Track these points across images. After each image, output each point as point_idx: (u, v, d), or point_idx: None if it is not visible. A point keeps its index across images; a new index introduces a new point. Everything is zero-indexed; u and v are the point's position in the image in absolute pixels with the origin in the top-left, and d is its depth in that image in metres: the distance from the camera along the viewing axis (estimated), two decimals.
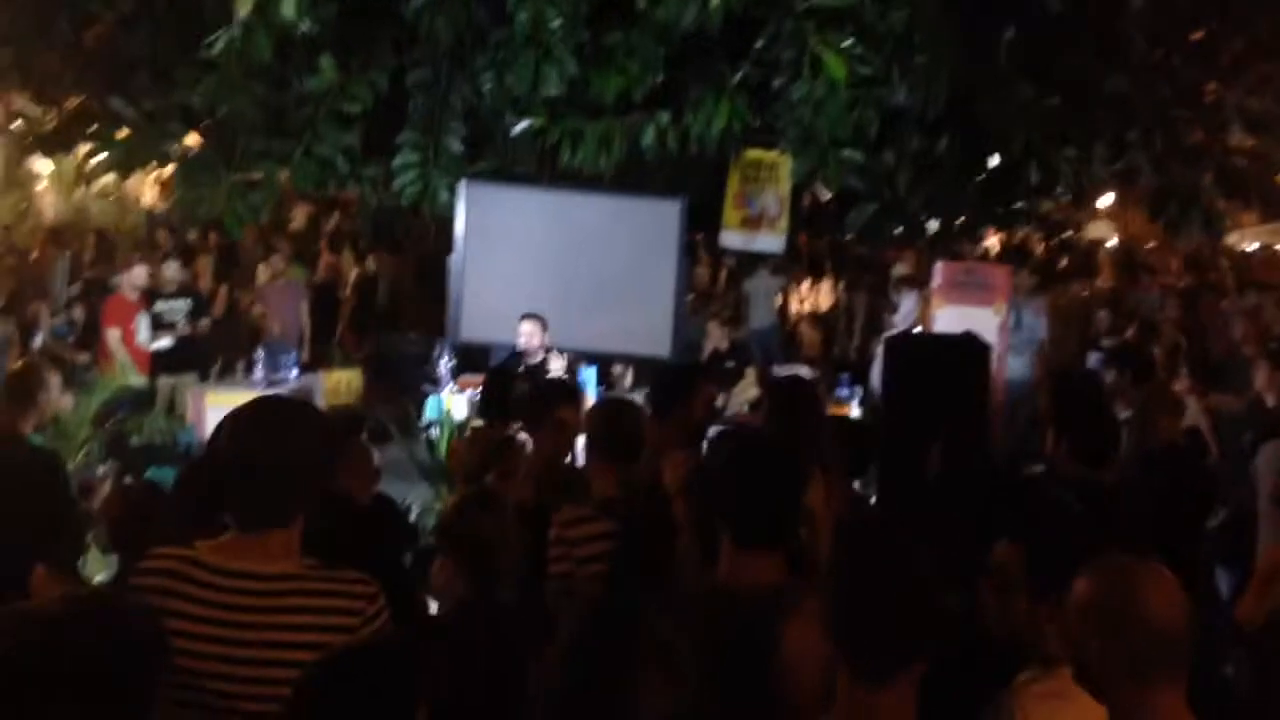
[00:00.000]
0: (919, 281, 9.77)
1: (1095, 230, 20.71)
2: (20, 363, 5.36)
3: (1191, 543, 4.29)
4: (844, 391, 7.96)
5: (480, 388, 6.59)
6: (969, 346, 4.52)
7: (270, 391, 8.14)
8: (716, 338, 9.13)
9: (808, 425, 3.73)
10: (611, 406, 3.91)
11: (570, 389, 4.73)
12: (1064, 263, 15.60)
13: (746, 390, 8.70)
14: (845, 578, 1.95)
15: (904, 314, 9.68)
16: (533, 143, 8.03)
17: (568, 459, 4.24)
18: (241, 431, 2.19)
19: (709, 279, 13.76)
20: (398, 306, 12.94)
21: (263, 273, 10.91)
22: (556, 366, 7.02)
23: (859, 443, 4.04)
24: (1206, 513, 4.64)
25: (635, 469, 3.46)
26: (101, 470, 5.41)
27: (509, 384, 5.24)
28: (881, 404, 5.36)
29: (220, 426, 2.28)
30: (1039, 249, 16.45)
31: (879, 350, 7.05)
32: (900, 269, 10.73)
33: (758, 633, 2.19)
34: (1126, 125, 7.52)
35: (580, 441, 3.98)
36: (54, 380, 4.58)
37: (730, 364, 8.94)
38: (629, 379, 9.22)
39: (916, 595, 1.86)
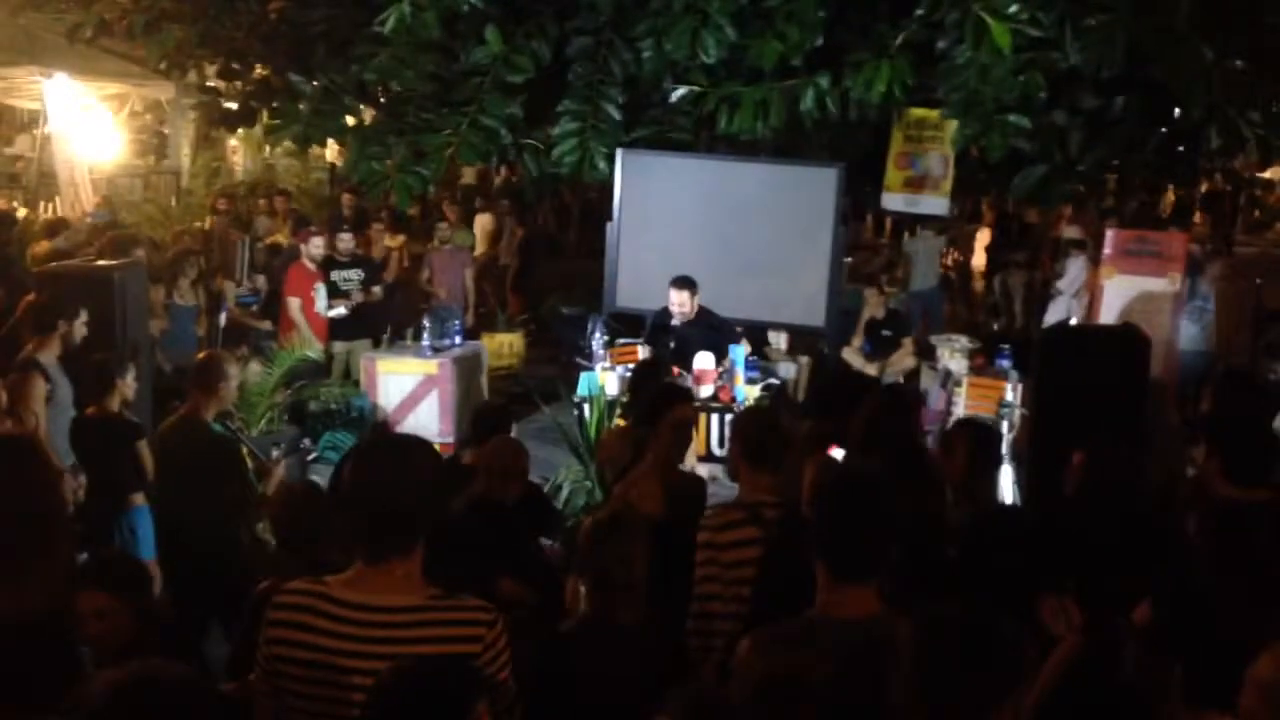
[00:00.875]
0: (1087, 246, 9.43)
1: None
2: (204, 354, 5.76)
3: None
4: (1004, 363, 7.74)
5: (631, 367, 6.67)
6: (1128, 344, 4.34)
7: (438, 358, 8.50)
8: (874, 305, 9.00)
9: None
10: (763, 411, 3.91)
11: (685, 389, 4.73)
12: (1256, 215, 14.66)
13: (902, 360, 8.58)
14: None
15: (1069, 280, 9.35)
16: (690, 110, 8.07)
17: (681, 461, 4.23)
18: (363, 470, 2.32)
19: (871, 238, 13.58)
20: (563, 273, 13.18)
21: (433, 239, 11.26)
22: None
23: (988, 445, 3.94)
24: None
25: (783, 475, 3.44)
26: (276, 453, 5.72)
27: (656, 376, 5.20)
28: (1032, 406, 5.22)
29: (343, 462, 2.41)
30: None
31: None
32: (1070, 232, 10.33)
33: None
34: None
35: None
36: (233, 370, 4.98)
37: (887, 333, 8.81)
38: (783, 344, 9.20)
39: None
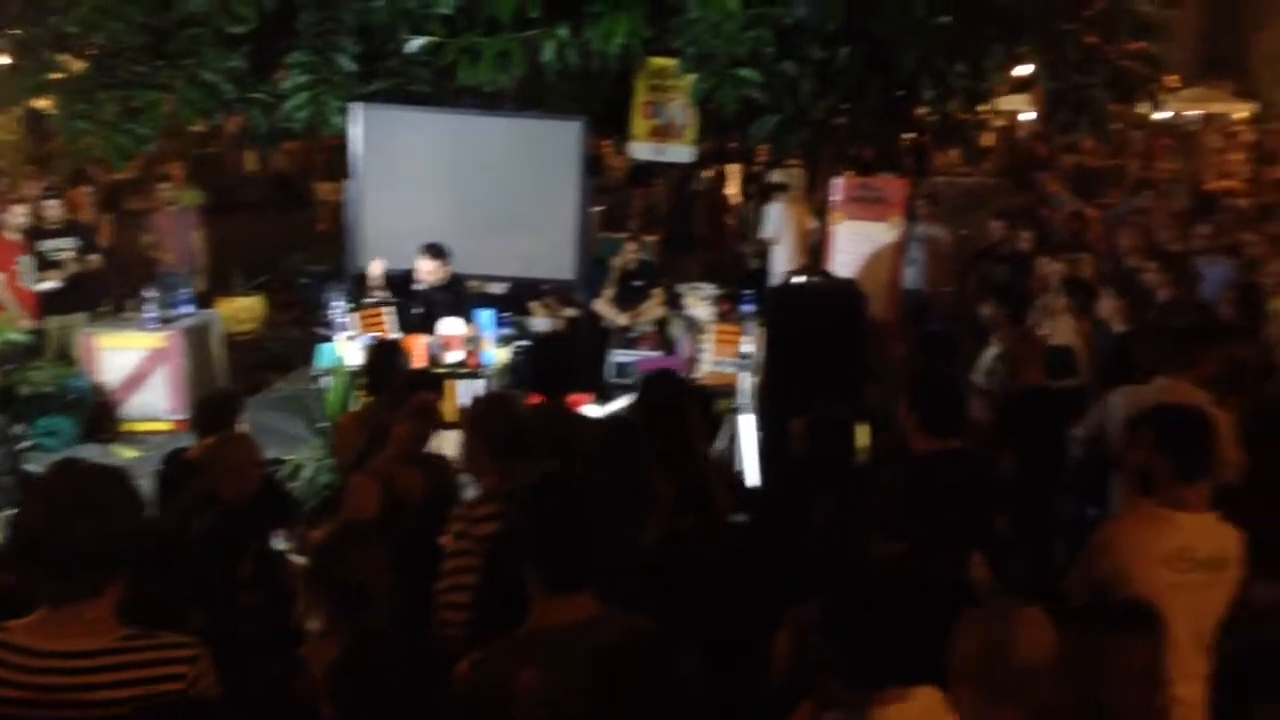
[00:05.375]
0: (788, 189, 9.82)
1: (1009, 102, 20.15)
2: None
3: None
4: (748, 308, 8.00)
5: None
6: (847, 298, 4.57)
7: (166, 330, 7.97)
8: (628, 256, 9.08)
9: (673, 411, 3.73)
10: (502, 399, 3.82)
11: (431, 375, 4.62)
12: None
13: (652, 310, 8.73)
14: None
15: (772, 226, 9.73)
16: (429, 61, 7.85)
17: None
18: (40, 511, 2.11)
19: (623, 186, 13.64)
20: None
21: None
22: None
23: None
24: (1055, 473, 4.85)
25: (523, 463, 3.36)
26: None
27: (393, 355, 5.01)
28: (763, 361, 5.40)
29: (24, 499, 2.19)
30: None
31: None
32: (776, 176, 10.68)
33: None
34: (1017, 38, 7.60)
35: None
36: None
37: (638, 283, 8.92)
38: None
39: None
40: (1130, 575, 3.25)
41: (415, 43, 7.69)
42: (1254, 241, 8.77)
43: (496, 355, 7.04)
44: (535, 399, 4.63)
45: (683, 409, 3.82)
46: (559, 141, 8.16)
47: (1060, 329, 6.45)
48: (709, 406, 4.14)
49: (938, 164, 15.28)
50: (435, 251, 7.19)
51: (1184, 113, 27.91)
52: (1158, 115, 24.61)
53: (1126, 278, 7.53)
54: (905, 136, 9.51)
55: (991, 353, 6.12)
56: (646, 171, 12.55)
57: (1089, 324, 6.40)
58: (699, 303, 8.48)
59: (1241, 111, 28.99)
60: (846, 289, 4.71)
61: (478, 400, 3.75)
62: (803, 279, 5.86)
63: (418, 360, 6.40)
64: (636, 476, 3.32)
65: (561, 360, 4.73)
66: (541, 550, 2.42)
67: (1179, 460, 3.29)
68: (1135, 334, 5.81)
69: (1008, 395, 5.43)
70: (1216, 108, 28.67)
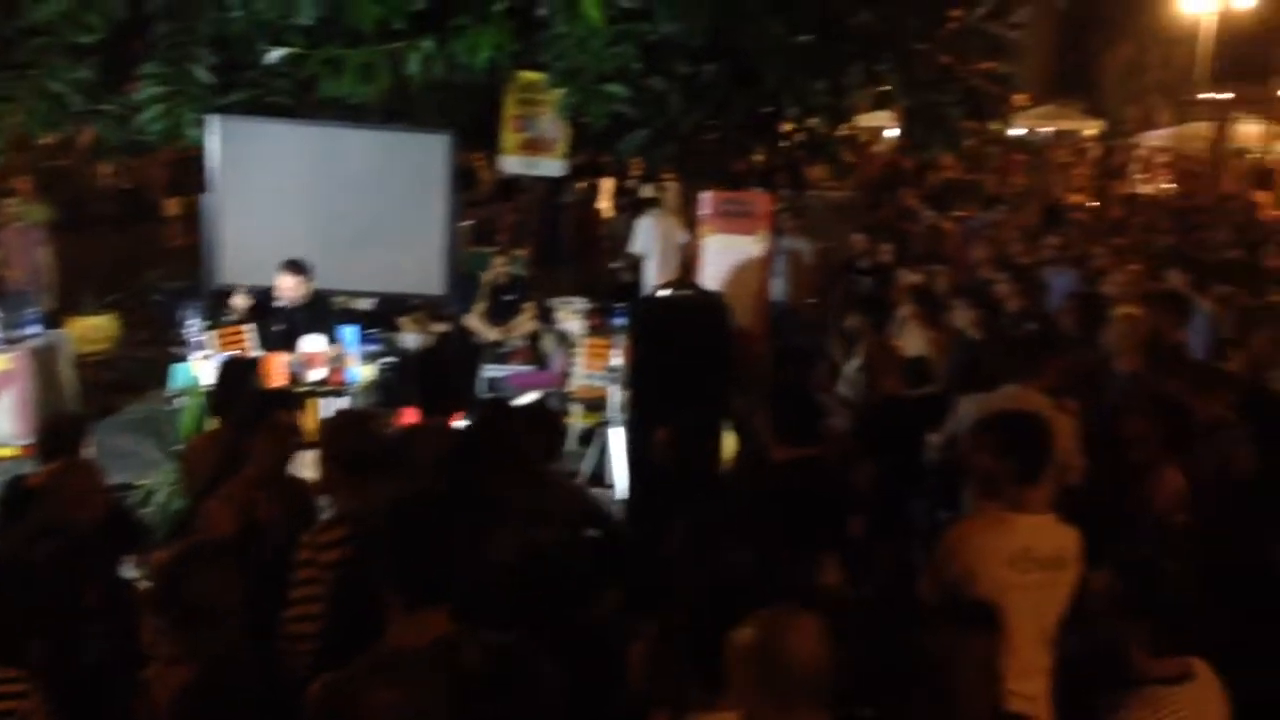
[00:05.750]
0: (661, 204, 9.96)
1: (872, 119, 20.65)
2: None
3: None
4: (619, 321, 8.06)
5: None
6: (712, 310, 4.64)
7: (12, 351, 7.60)
8: (497, 270, 9.03)
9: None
10: (355, 416, 3.75)
11: (286, 394, 4.51)
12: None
13: (524, 325, 8.71)
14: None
15: (641, 240, 9.85)
16: (289, 72, 7.69)
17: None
18: None
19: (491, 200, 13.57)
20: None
21: None
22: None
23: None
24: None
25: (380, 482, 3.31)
26: None
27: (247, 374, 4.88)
28: (629, 374, 5.45)
29: None
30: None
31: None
32: (646, 191, 10.84)
33: None
34: (874, 57, 7.85)
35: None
36: None
37: (509, 298, 8.89)
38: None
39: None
40: (976, 576, 3.37)
41: (275, 54, 7.53)
42: (1100, 254, 9.23)
43: (361, 372, 6.93)
44: (409, 416, 4.58)
45: (512, 431, 3.77)
46: (426, 155, 8.09)
47: (911, 338, 6.67)
48: (553, 424, 4.15)
49: (810, 179, 15.69)
50: (296, 267, 7.03)
51: (1037, 129, 29.24)
52: (1013, 132, 25.80)
53: (980, 289, 7.83)
54: (781, 148, 9.71)
55: (855, 363, 6.30)
56: (514, 186, 12.55)
57: (942, 333, 6.64)
58: (571, 317, 8.50)
59: (1091, 128, 30.53)
60: (710, 300, 4.78)
61: (328, 420, 3.68)
62: (668, 292, 5.93)
63: (278, 379, 6.25)
64: (487, 491, 3.31)
65: (443, 377, 4.69)
66: (400, 567, 2.39)
67: (1019, 465, 3.43)
68: (986, 343, 6.04)
69: (867, 404, 5.59)
70: (1067, 125, 30.13)
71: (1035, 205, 14.23)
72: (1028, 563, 3.38)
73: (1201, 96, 25.17)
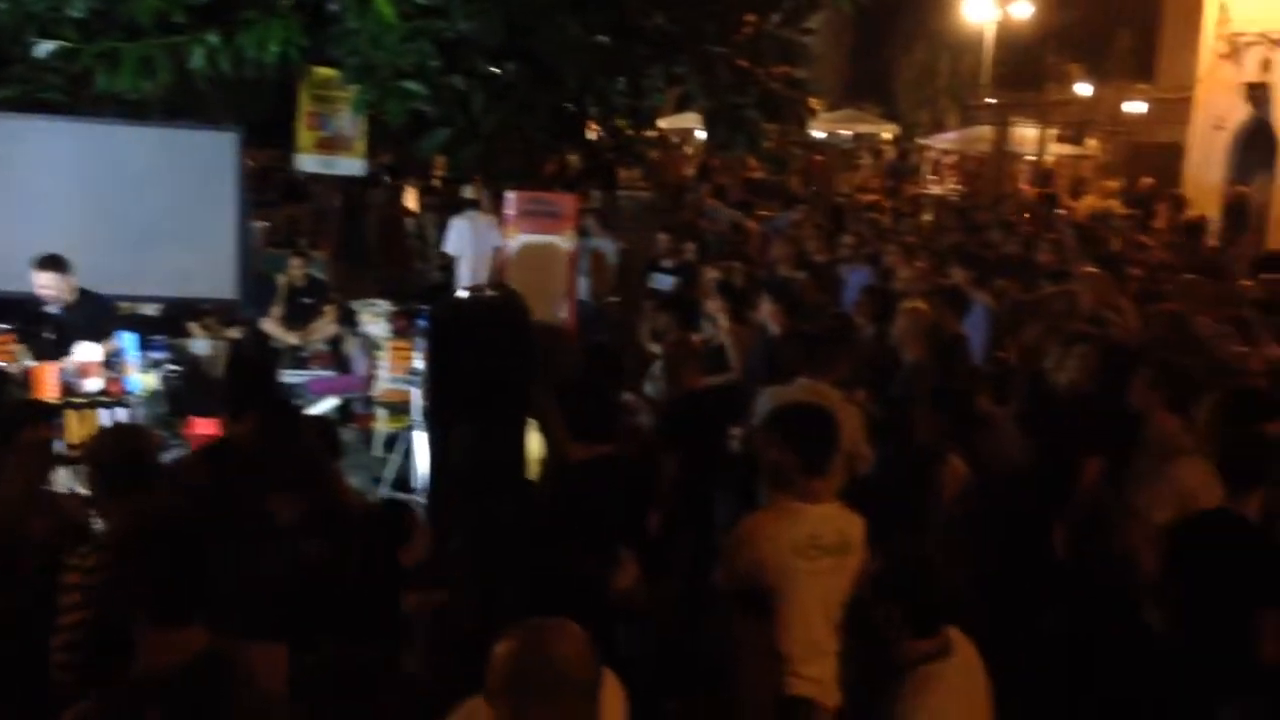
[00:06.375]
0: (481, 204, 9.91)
1: (680, 121, 20.67)
2: None
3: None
4: (422, 323, 7.89)
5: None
6: (510, 311, 4.61)
7: None
8: (295, 273, 8.71)
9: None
10: (124, 433, 3.56)
11: (42, 406, 4.25)
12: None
13: (325, 328, 8.45)
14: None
15: (452, 242, 9.76)
16: (61, 67, 7.24)
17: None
18: None
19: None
20: None
21: None
22: None
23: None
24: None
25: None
26: None
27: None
28: (426, 378, 5.39)
29: None
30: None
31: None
32: (467, 192, 10.75)
33: None
34: (673, 59, 7.97)
35: None
36: None
37: (307, 300, 8.60)
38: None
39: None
40: (766, 564, 3.46)
41: (44, 47, 7.07)
42: (890, 251, 9.65)
43: (142, 381, 6.54)
44: (199, 426, 4.36)
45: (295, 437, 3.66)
46: (213, 153, 7.76)
47: (720, 331, 6.86)
48: (328, 430, 4.06)
49: (622, 180, 15.85)
50: (53, 263, 6.47)
51: (838, 132, 30.43)
52: (816, 134, 26.76)
53: (781, 285, 8.07)
54: (592, 149, 9.76)
55: (659, 362, 6.39)
56: (307, 185, 12.19)
57: (743, 326, 6.81)
58: (374, 319, 8.28)
59: (888, 131, 31.98)
60: (509, 300, 4.75)
61: (93, 436, 3.48)
62: (466, 293, 5.86)
63: (49, 391, 5.84)
64: (249, 502, 3.19)
65: (254, 383, 4.49)
66: (141, 584, 2.27)
67: (805, 456, 3.55)
68: (782, 338, 6.22)
69: (667, 400, 5.66)
70: (865, 128, 31.45)
71: (828, 206, 14.79)
72: (815, 550, 3.49)
73: (986, 101, 26.71)
